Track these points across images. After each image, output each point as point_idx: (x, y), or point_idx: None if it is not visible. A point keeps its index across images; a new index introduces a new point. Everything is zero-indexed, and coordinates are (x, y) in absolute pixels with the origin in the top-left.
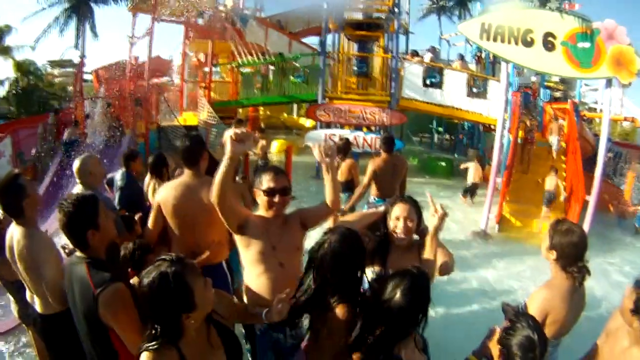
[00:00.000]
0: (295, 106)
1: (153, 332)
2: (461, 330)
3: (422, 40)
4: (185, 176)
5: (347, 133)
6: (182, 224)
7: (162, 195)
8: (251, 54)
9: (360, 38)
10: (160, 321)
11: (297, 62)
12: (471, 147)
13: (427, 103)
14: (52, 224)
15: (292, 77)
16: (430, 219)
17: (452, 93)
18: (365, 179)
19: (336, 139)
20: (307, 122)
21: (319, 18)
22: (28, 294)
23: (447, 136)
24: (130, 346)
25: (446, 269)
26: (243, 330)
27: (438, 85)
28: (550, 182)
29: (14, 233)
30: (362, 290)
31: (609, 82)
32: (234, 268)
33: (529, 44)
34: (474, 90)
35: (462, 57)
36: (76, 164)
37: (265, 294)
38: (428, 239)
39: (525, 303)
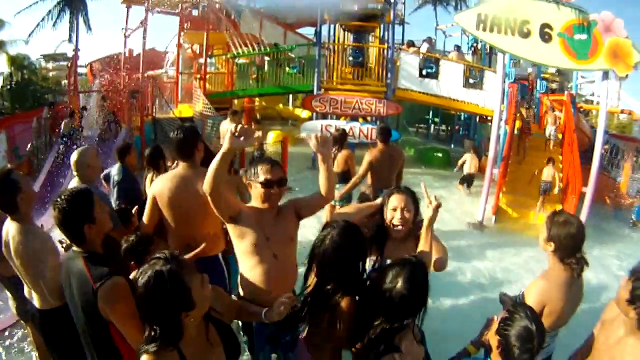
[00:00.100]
0: (290, 97)
1: (152, 333)
2: (458, 321)
3: (418, 31)
4: (180, 168)
5: (343, 124)
6: (177, 216)
7: (157, 187)
8: (246, 45)
9: (356, 28)
10: (159, 322)
11: (292, 53)
12: (467, 137)
13: (423, 93)
14: (49, 219)
15: (287, 68)
16: (425, 211)
17: (449, 84)
18: (361, 170)
19: (332, 130)
20: (303, 113)
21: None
22: (26, 290)
23: (443, 127)
24: (130, 340)
25: (440, 265)
26: (240, 323)
27: (434, 75)
28: (547, 173)
29: (9, 229)
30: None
31: (605, 75)
32: (233, 268)
33: (525, 35)
34: (470, 81)
35: (458, 48)
36: (74, 156)
37: (260, 285)
38: (423, 231)
39: (522, 294)
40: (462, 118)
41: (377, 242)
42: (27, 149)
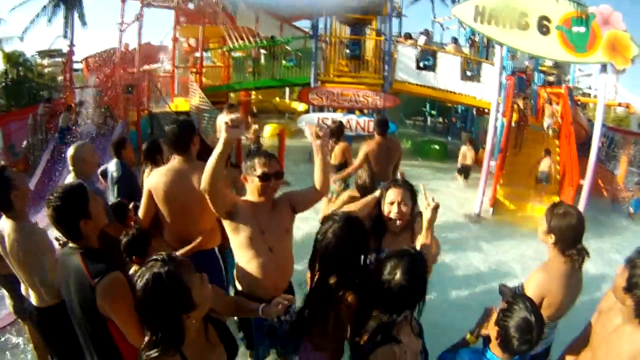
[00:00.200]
0: (287, 90)
1: (154, 338)
2: (456, 313)
3: (415, 24)
4: (176, 162)
5: (340, 116)
6: (173, 210)
7: (153, 181)
8: (242, 38)
9: (352, 21)
10: (160, 325)
11: (288, 46)
12: (464, 130)
13: (421, 86)
14: (45, 217)
15: (284, 61)
16: (424, 212)
17: (446, 76)
18: (357, 160)
19: (329, 123)
20: (300, 106)
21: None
22: (23, 287)
23: (441, 119)
24: (129, 336)
25: (433, 260)
26: (236, 318)
27: (431, 68)
28: (545, 164)
29: (4, 227)
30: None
31: (603, 68)
32: (230, 263)
33: (523, 27)
34: (468, 73)
35: (455, 40)
36: (70, 150)
37: (256, 278)
38: (423, 232)
39: (522, 285)
40: (459, 111)
41: (375, 235)
42: (23, 146)
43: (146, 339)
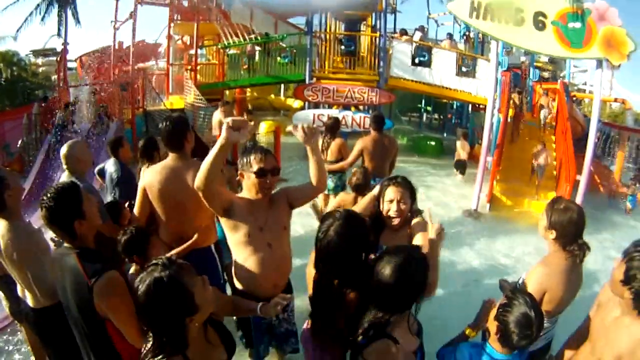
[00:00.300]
0: (282, 87)
1: (157, 342)
2: (453, 308)
3: (409, 20)
4: (170, 159)
5: (335, 113)
6: (168, 208)
7: (147, 179)
8: (237, 35)
9: (347, 17)
10: (164, 330)
11: (283, 42)
12: (460, 126)
13: (416, 82)
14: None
15: (279, 58)
16: (430, 235)
17: (441, 72)
18: (351, 156)
19: (325, 119)
20: (295, 103)
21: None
22: (19, 288)
23: (436, 115)
24: (128, 335)
25: (433, 287)
26: (235, 318)
27: (427, 64)
28: (541, 156)
29: None
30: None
31: (599, 63)
32: (222, 246)
33: (519, 22)
34: (463, 69)
35: (450, 36)
36: (63, 149)
37: (255, 275)
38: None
39: (522, 280)
40: (455, 107)
41: (374, 232)
42: (18, 146)
43: (148, 344)
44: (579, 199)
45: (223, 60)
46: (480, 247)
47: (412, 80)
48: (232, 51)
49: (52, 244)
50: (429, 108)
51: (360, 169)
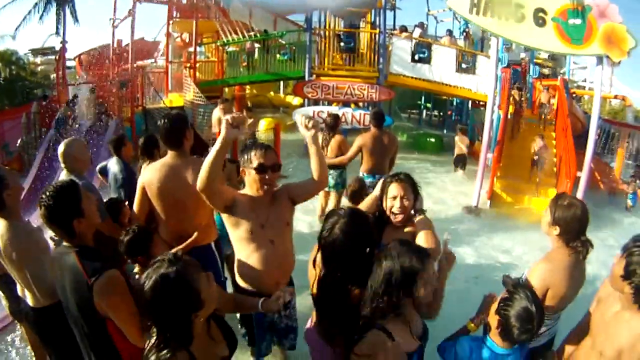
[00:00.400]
0: (282, 84)
1: (162, 338)
2: (454, 304)
3: (409, 17)
4: (169, 157)
5: (335, 109)
6: (167, 206)
7: (146, 176)
8: (236, 32)
9: (347, 14)
10: (170, 325)
11: (282, 39)
12: (459, 123)
13: (416, 79)
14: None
15: (278, 55)
16: (442, 262)
17: (441, 69)
18: (350, 151)
19: (324, 116)
20: (295, 100)
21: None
22: (19, 288)
23: (436, 112)
24: (128, 334)
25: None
26: (237, 315)
27: (427, 60)
28: (539, 148)
29: None
30: None
31: (600, 60)
32: (222, 239)
33: (519, 19)
34: (463, 66)
35: (450, 33)
36: (61, 147)
37: (258, 271)
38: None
39: (525, 277)
40: (455, 103)
41: (377, 228)
42: (17, 145)
43: (152, 340)
44: (579, 196)
45: (222, 57)
46: (481, 244)
47: (412, 77)
48: (231, 48)
49: (51, 243)
50: (428, 105)
51: (357, 181)
